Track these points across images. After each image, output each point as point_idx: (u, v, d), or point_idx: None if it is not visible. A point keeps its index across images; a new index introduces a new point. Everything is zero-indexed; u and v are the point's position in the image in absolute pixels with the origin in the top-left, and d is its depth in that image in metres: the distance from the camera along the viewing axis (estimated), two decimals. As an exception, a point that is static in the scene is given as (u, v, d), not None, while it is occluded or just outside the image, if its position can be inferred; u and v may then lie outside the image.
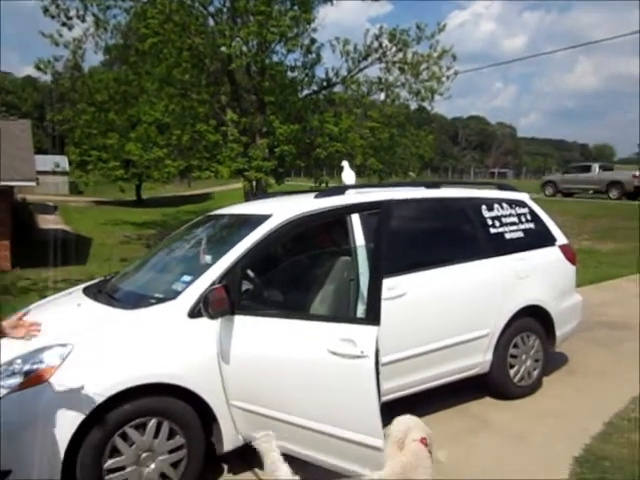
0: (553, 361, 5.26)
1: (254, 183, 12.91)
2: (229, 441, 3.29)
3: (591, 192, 23.93)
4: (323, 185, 14.44)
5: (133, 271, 4.33)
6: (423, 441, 2.59)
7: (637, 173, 22.96)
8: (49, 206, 27.02)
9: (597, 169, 24.30)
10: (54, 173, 35.65)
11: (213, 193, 35.31)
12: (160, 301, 3.32)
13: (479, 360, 4.38)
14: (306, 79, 13.78)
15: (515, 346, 4.60)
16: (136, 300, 3.47)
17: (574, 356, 5.63)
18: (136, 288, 3.88)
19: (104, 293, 3.86)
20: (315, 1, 13.07)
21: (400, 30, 13.00)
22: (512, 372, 4.60)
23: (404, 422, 2.68)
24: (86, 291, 4.02)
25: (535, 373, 4.76)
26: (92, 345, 3.03)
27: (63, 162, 30.84)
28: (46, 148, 42.91)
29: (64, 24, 12.63)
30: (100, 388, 2.87)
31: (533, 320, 4.70)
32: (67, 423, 2.80)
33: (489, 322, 4.37)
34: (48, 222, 21.99)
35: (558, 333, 4.90)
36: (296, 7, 12.09)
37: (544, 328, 4.81)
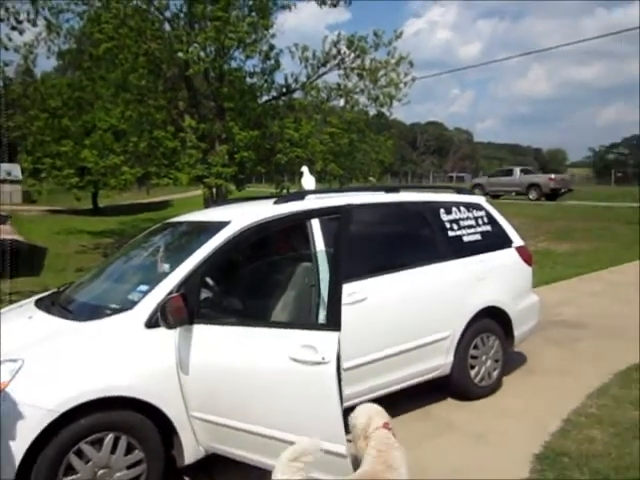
0: (512, 361, 5.36)
1: (214, 190, 12.77)
2: (190, 453, 3.22)
3: (513, 194, 25.86)
4: (284, 191, 14.41)
5: (88, 281, 4.20)
6: (386, 426, 2.61)
7: (553, 176, 25.91)
8: (1, 216, 26.04)
9: (518, 173, 26.78)
10: (5, 181, 34.47)
11: (172, 200, 34.82)
12: (116, 312, 3.22)
13: (440, 362, 4.42)
14: (265, 85, 13.73)
15: (475, 347, 4.66)
16: (90, 311, 3.36)
17: (532, 356, 5.75)
18: (91, 299, 3.76)
19: (57, 305, 3.72)
20: (273, 7, 13.06)
21: (358, 37, 13.13)
22: (473, 373, 4.66)
23: (364, 412, 2.70)
24: (38, 303, 3.88)
25: (495, 373, 4.83)
26: (44, 359, 2.92)
27: (15, 170, 29.86)
28: (-3, 156, 41.43)
29: (14, 28, 12.19)
30: (53, 404, 2.76)
31: (492, 321, 4.78)
32: (19, 440, 2.70)
33: (449, 324, 4.42)
34: (1, 232, 21.19)
35: (516, 333, 5.00)
36: (254, 13, 12.04)
37: (503, 329, 4.89)
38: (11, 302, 7.39)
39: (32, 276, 12.74)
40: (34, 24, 12.29)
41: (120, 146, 13.42)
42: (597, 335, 6.46)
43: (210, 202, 12.70)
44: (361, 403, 3.13)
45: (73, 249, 18.16)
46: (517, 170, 27.22)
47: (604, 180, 53.51)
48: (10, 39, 12.25)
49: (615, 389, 4.78)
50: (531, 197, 25.08)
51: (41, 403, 2.75)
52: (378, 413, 2.74)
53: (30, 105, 13.89)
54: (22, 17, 12.10)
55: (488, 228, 4.92)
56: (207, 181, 12.10)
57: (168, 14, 12.86)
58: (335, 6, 12.93)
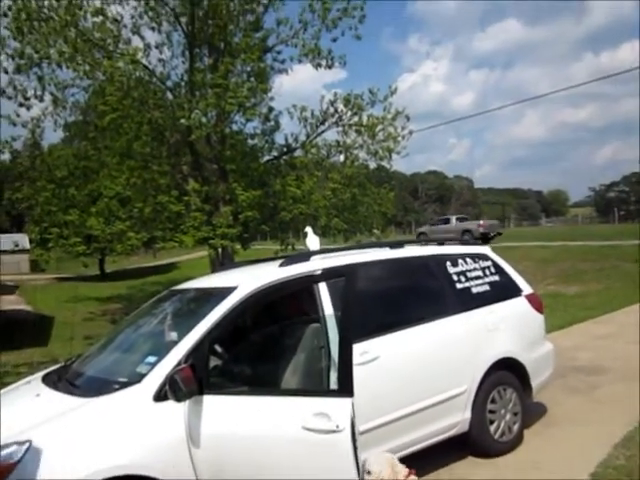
0: (532, 412, 5.20)
1: (220, 250, 12.84)
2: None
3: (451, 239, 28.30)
4: (289, 247, 14.47)
5: (96, 353, 4.16)
6: (412, 472, 2.52)
7: (481, 222, 29.65)
8: (9, 286, 26.14)
9: (454, 220, 30.95)
10: (14, 252, 34.83)
11: (179, 262, 34.97)
12: (124, 386, 3.17)
13: (458, 419, 4.29)
14: (266, 146, 14.05)
15: (493, 401, 4.54)
16: (98, 386, 3.31)
17: (552, 405, 5.60)
18: (98, 372, 3.71)
19: (64, 380, 3.67)
20: (271, 72, 13.53)
21: (354, 95, 13.48)
22: (492, 428, 4.52)
23: (383, 462, 2.60)
24: (45, 379, 3.82)
25: (515, 427, 4.69)
26: (52, 439, 2.85)
27: (23, 241, 30.22)
28: (5, 227, 42.08)
29: (22, 104, 12.66)
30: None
31: (508, 373, 4.67)
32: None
33: (464, 379, 4.32)
34: (8, 302, 21.24)
35: (534, 384, 4.88)
36: (253, 79, 12.44)
37: (519, 380, 4.77)
38: (18, 374, 7.34)
39: (40, 346, 12.68)
40: (41, 100, 12.76)
41: (126, 212, 13.62)
42: (615, 380, 6.31)
43: (216, 263, 12.75)
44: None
45: (81, 317, 18.12)
46: (453, 218, 31.50)
47: (607, 218, 53.64)
48: (18, 115, 12.72)
49: (641, 437, 4.61)
50: (466, 239, 27.97)
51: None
52: (395, 461, 2.64)
53: (37, 176, 14.21)
54: (29, 94, 12.60)
55: (496, 278, 4.88)
56: (212, 242, 12.18)
57: (170, 83, 13.36)
58: (330, 68, 13.34)
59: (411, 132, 13.98)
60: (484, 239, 26.57)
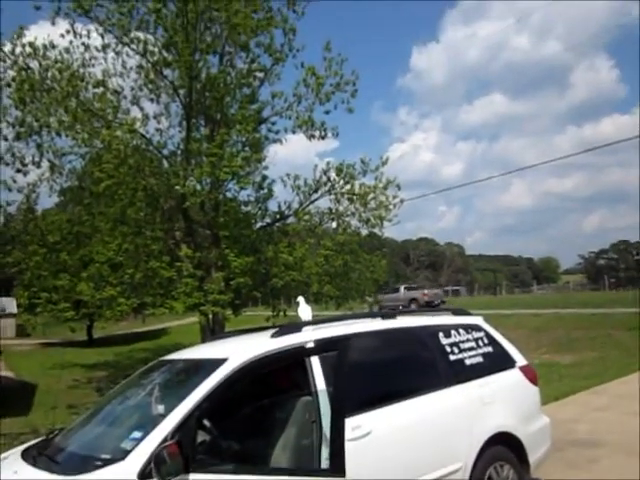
0: (530, 490, 5.02)
1: (211, 317, 12.70)
2: None
3: (401, 307, 30.04)
4: (281, 314, 14.34)
5: (79, 426, 4.00)
6: None
7: (426, 292, 33.19)
8: (-8, 352, 25.53)
9: (402, 290, 34.24)
10: (0, 316, 34.23)
11: (169, 328, 34.45)
12: (107, 463, 3.03)
13: (454, 498, 4.12)
14: (259, 213, 14.26)
15: (490, 478, 4.37)
16: (80, 463, 3.17)
17: (550, 482, 5.41)
18: (80, 448, 3.56)
19: (44, 456, 3.51)
20: (265, 142, 13.91)
21: (346, 164, 13.85)
22: (490, 508, 4.33)
23: None
24: (24, 455, 3.66)
25: (514, 506, 4.50)
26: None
27: (10, 305, 29.77)
28: (-7, 291, 41.51)
29: (19, 170, 12.86)
30: None
31: (504, 448, 4.52)
32: None
33: (460, 455, 4.18)
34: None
35: (531, 459, 4.72)
36: (247, 148, 12.78)
37: (516, 455, 4.62)
38: (-3, 445, 7.03)
39: (21, 415, 12.22)
40: (38, 166, 13.01)
41: (117, 278, 13.55)
42: (613, 454, 6.16)
43: (207, 330, 12.60)
44: None
45: (65, 384, 17.62)
46: (402, 288, 35.03)
47: (598, 285, 53.93)
48: (15, 181, 12.89)
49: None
50: (413, 307, 30.47)
51: None
52: None
53: (29, 240, 14.22)
54: (27, 160, 12.83)
55: (489, 349, 4.83)
56: (203, 309, 12.07)
57: (166, 152, 13.71)
58: (323, 138, 13.77)
59: (402, 200, 14.29)
60: (429, 306, 29.67)
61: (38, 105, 12.20)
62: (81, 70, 12.77)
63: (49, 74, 12.37)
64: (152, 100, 13.71)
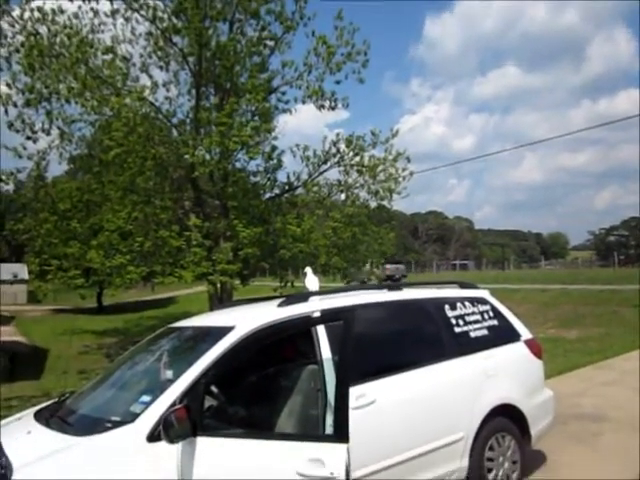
0: (531, 461, 5.10)
1: (219, 286, 12.81)
2: None
3: (365, 280, 32.12)
4: (288, 285, 14.43)
5: (90, 390, 4.10)
6: None
7: (388, 267, 34.13)
8: (5, 317, 26.02)
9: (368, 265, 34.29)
10: (12, 282, 34.73)
11: (177, 297, 34.81)
12: (117, 425, 3.11)
13: (455, 466, 4.20)
14: (268, 183, 14.21)
15: (491, 449, 4.45)
16: (91, 425, 3.26)
17: (552, 454, 5.48)
18: (91, 411, 3.65)
19: (57, 417, 3.61)
20: (275, 112, 13.79)
21: (356, 136, 13.75)
22: (490, 477, 4.41)
23: None
24: (37, 416, 3.76)
25: (514, 476, 4.58)
26: (42, 478, 2.78)
27: (22, 271, 30.15)
28: (5, 257, 42.02)
29: (29, 137, 12.86)
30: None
31: (506, 420, 4.60)
32: None
33: (462, 425, 4.25)
34: (3, 334, 21.06)
35: (533, 431, 4.79)
36: (257, 118, 12.68)
37: (518, 427, 4.69)
38: (10, 408, 7.22)
39: (32, 379, 12.50)
40: (48, 133, 12.98)
41: (126, 246, 13.66)
42: (617, 429, 6.21)
43: (215, 299, 12.71)
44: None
45: (76, 350, 17.95)
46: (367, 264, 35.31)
47: (607, 262, 53.65)
48: (25, 148, 12.91)
49: (643, 489, 4.51)
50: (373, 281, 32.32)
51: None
52: None
53: (40, 208, 14.29)
54: (37, 127, 12.80)
55: (495, 322, 4.86)
56: (212, 278, 12.16)
57: (175, 120, 13.63)
58: (333, 109, 13.63)
59: (412, 173, 14.20)
60: (391, 279, 30.70)
61: (47, 71, 12.12)
62: (90, 36, 12.65)
63: (58, 40, 12.26)
64: (161, 68, 13.60)
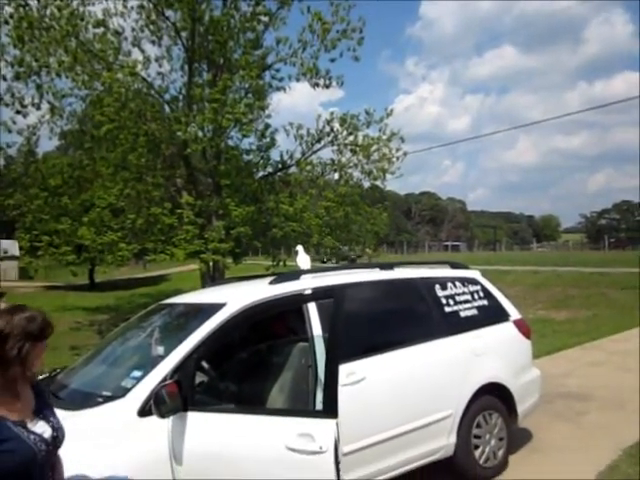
0: (517, 438, 5.20)
1: (211, 265, 12.80)
2: None
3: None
4: (281, 264, 14.44)
5: (81, 365, 4.12)
6: None
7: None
8: (-4, 293, 25.89)
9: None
10: (2, 259, 34.54)
11: (170, 275, 34.76)
12: (108, 399, 3.14)
13: (443, 443, 4.28)
14: (261, 162, 14.09)
15: (478, 426, 4.53)
16: (82, 399, 3.28)
17: (538, 432, 5.59)
18: (83, 385, 3.68)
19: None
20: (269, 89, 13.63)
21: (350, 115, 13.60)
22: (477, 453, 4.51)
23: None
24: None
25: (500, 453, 4.68)
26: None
27: (12, 247, 29.93)
28: (-5, 233, 41.67)
29: (18, 112, 12.67)
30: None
31: (494, 398, 4.68)
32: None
33: (450, 403, 4.32)
34: (-6, 310, 20.96)
35: (520, 409, 4.89)
36: (250, 95, 12.54)
37: (505, 405, 4.78)
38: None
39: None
40: (38, 107, 12.77)
41: (118, 223, 13.58)
42: (602, 407, 6.34)
43: (207, 277, 12.70)
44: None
45: (68, 326, 17.91)
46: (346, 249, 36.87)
47: (598, 245, 54.11)
48: (14, 122, 12.73)
49: (625, 466, 4.62)
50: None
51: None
52: None
53: (30, 184, 14.15)
54: (27, 101, 12.61)
55: (484, 302, 4.91)
56: (204, 257, 12.14)
57: (168, 97, 13.40)
58: (328, 87, 13.48)
59: (405, 153, 14.12)
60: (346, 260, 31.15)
61: (37, 44, 11.88)
62: (81, 9, 12.33)
63: (48, 12, 11.99)
64: (153, 42, 13.34)
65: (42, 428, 2.03)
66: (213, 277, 12.64)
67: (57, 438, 2.10)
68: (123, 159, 12.78)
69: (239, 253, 14.32)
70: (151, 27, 13.00)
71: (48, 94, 12.55)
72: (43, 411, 2.11)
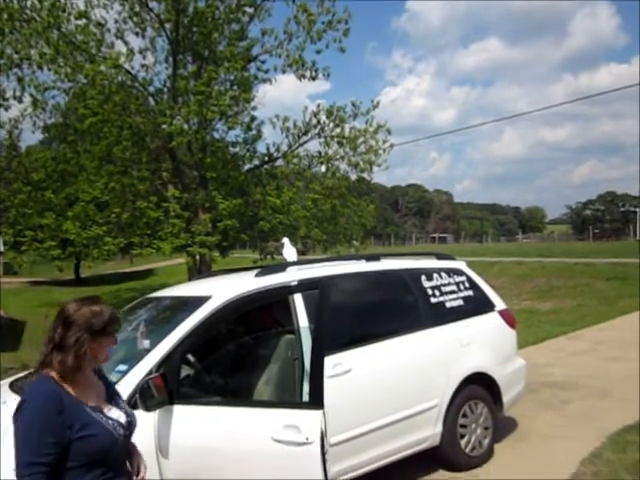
0: (502, 427, 5.25)
1: (198, 258, 12.75)
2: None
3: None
4: (268, 257, 14.42)
5: (66, 360, 4.08)
6: None
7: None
8: (-21, 289, 25.55)
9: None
10: (-14, 254, 34.01)
11: (157, 269, 34.56)
12: (93, 393, 3.11)
13: (429, 433, 4.31)
14: (248, 154, 14.05)
15: (464, 415, 4.57)
16: (67, 394, 3.25)
17: (523, 420, 5.65)
18: (67, 380, 3.64)
19: (32, 387, 3.59)
20: (254, 81, 13.55)
21: (337, 107, 13.58)
22: (463, 442, 4.55)
23: None
24: (13, 386, 3.74)
25: (486, 442, 4.72)
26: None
27: (-4, 243, 29.49)
28: (-22, 228, 41.05)
29: (0, 105, 12.49)
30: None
31: (479, 387, 4.71)
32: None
33: (436, 393, 4.35)
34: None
35: (505, 399, 4.93)
36: (235, 87, 12.46)
37: (491, 395, 4.82)
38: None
39: (10, 351, 12.37)
40: (20, 101, 12.60)
41: (103, 217, 13.48)
42: (586, 396, 6.41)
43: (194, 271, 12.65)
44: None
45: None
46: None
47: (583, 236, 54.66)
48: (-5, 115, 12.54)
49: (608, 453, 4.68)
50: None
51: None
52: None
53: (14, 178, 13.99)
54: (8, 94, 12.42)
55: (470, 293, 4.94)
56: (190, 250, 12.10)
57: (152, 89, 13.28)
58: (314, 79, 13.42)
59: (392, 145, 14.16)
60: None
61: (18, 36, 11.71)
62: (62, 0, 12.19)
63: (28, 3, 11.82)
64: (137, 34, 13.19)
65: (117, 413, 2.08)
66: (200, 271, 12.60)
67: (131, 423, 2.15)
68: (108, 152, 12.66)
69: (226, 246, 14.27)
70: (134, 18, 12.86)
71: (30, 87, 12.38)
72: (114, 397, 2.17)
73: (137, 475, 2.18)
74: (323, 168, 14.52)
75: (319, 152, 14.14)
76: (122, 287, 26.95)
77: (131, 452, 2.22)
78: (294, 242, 4.94)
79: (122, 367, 3.27)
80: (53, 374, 1.97)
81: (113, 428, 2.00)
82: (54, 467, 1.86)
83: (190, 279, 11.99)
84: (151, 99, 13.49)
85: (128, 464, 2.18)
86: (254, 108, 13.46)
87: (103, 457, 1.95)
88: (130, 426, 2.14)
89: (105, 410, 2.05)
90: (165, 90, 13.30)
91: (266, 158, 14.19)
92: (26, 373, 4.21)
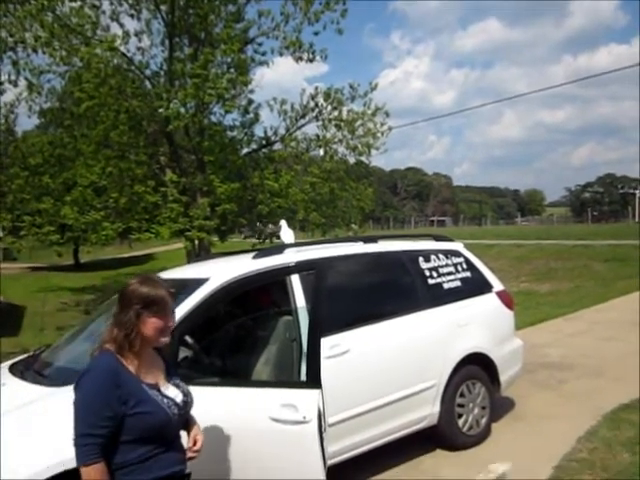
0: (500, 407, 5.30)
1: (196, 242, 12.75)
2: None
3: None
4: (267, 241, 14.43)
5: (65, 343, 4.11)
6: None
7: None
8: (-21, 275, 25.58)
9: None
10: (-15, 240, 33.98)
11: (156, 253, 34.61)
12: (92, 376, 3.13)
13: (427, 413, 4.35)
14: (245, 138, 13.96)
15: (461, 395, 4.61)
16: (66, 376, 3.25)
17: (520, 400, 5.71)
18: (66, 363, 3.67)
19: (32, 370, 3.62)
20: (251, 64, 13.42)
21: (335, 89, 13.47)
22: (460, 422, 4.60)
23: None
24: (12, 369, 3.77)
25: (483, 421, 4.77)
26: (18, 428, 2.81)
27: (-5, 229, 29.47)
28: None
29: (-6, 89, 12.39)
30: (30, 471, 2.63)
31: (477, 368, 4.75)
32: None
33: (434, 373, 4.39)
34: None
35: (502, 379, 4.97)
36: (232, 70, 12.34)
37: (488, 375, 4.86)
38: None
39: (10, 336, 12.43)
40: (15, 85, 12.47)
41: (101, 202, 13.44)
42: (583, 376, 6.47)
43: (193, 255, 12.66)
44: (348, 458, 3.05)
45: (53, 307, 17.82)
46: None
47: (582, 219, 54.68)
48: (-10, 99, 12.44)
49: (604, 431, 4.74)
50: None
51: (17, 474, 2.62)
52: None
53: (10, 163, 13.92)
54: (3, 78, 12.31)
55: (467, 274, 4.95)
56: (189, 234, 12.08)
57: (148, 72, 13.15)
58: (312, 61, 13.29)
59: (390, 128, 14.08)
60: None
61: (12, 19, 11.56)
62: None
63: (22, -15, 11.65)
64: (132, 16, 13.00)
65: (174, 392, 2.12)
66: (199, 255, 12.58)
67: (187, 402, 2.19)
68: (105, 137, 12.60)
69: (225, 231, 14.26)
70: (130, 0, 12.69)
71: (25, 71, 12.24)
72: (172, 377, 2.20)
73: (194, 446, 2.22)
74: (321, 151, 14.46)
75: (317, 135, 14.06)
76: (121, 272, 26.98)
77: (189, 424, 2.26)
78: (292, 225, 4.93)
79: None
80: (113, 349, 2.00)
81: (168, 407, 2.03)
82: (108, 439, 1.92)
83: (189, 263, 12.02)
84: (147, 82, 13.37)
85: (186, 436, 2.22)
86: (251, 91, 13.35)
87: (156, 434, 1.99)
88: (186, 406, 2.17)
89: (162, 388, 2.09)
90: (161, 73, 13.19)
91: (264, 142, 14.10)
92: (26, 355, 4.24)
